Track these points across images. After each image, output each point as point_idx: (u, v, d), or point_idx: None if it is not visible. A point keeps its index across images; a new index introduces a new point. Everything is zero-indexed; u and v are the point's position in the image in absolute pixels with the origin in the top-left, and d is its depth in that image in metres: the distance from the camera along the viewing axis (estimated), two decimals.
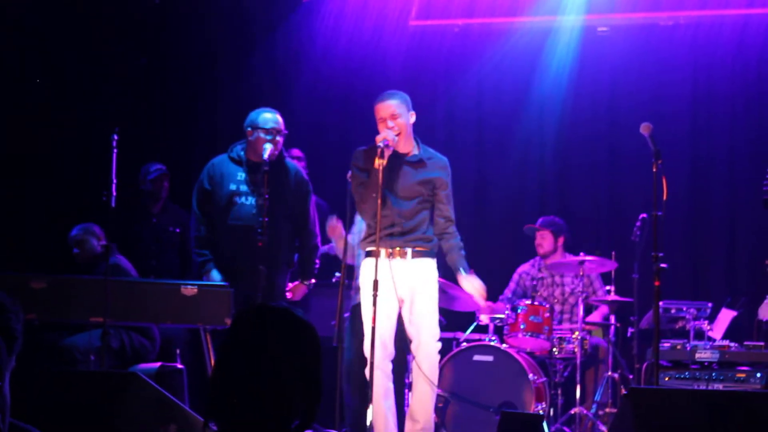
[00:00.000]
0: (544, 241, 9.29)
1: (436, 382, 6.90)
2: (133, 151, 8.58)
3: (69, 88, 10.19)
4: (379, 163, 6.57)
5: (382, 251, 6.69)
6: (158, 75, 10.56)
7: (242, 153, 7.80)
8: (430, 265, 6.91)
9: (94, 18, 10.09)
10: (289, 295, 8.01)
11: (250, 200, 7.74)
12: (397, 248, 6.79)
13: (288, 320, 3.08)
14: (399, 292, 6.75)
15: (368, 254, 6.81)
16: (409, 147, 6.89)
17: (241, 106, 9.92)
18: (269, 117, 7.72)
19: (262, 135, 7.65)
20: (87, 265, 8.44)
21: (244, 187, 7.77)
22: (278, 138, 7.68)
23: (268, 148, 7.54)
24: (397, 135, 6.70)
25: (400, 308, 6.83)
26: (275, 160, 7.66)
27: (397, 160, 6.78)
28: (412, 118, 6.87)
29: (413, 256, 6.83)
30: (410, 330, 6.83)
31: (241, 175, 7.78)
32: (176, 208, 9.45)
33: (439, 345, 6.88)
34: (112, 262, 8.03)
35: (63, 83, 10.18)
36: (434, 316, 6.89)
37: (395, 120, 6.73)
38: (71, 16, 10.05)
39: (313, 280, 8.10)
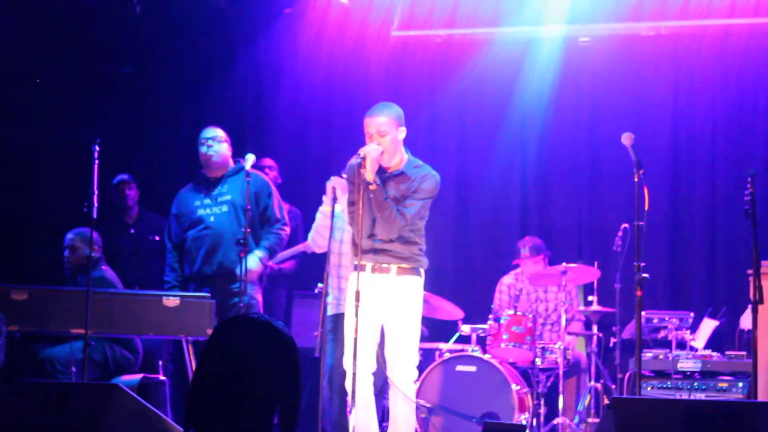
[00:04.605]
0: (537, 266, 9.18)
1: (413, 411, 6.86)
2: (114, 162, 8.58)
3: (50, 97, 10.16)
4: (361, 172, 6.55)
5: (369, 265, 6.67)
6: (140, 85, 10.54)
7: (202, 173, 8.29)
8: (413, 284, 6.80)
9: (76, 27, 10.07)
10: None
11: (213, 210, 8.08)
12: (381, 264, 6.76)
13: (267, 331, 3.10)
14: (380, 309, 6.72)
15: (354, 267, 6.79)
16: (396, 162, 6.78)
17: (223, 116, 9.95)
18: (203, 131, 8.34)
19: (201, 149, 8.23)
20: (74, 271, 8.41)
21: (206, 201, 8.12)
22: (219, 142, 8.22)
23: (251, 158, 7.75)
24: (381, 153, 6.65)
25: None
26: (230, 173, 8.17)
27: (381, 175, 6.72)
28: (402, 134, 6.74)
29: (397, 273, 6.75)
30: (387, 353, 6.76)
31: (202, 192, 8.20)
32: (153, 216, 9.48)
33: (415, 374, 6.81)
34: (98, 275, 8.04)
35: (44, 92, 10.16)
36: (413, 343, 6.78)
37: (381, 137, 6.64)
38: (52, 25, 10.03)
39: (269, 258, 8.03)
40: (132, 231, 9.47)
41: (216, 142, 8.16)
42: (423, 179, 6.78)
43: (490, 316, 8.58)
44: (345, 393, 7.01)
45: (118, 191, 9.50)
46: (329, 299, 7.48)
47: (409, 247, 6.77)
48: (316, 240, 7.68)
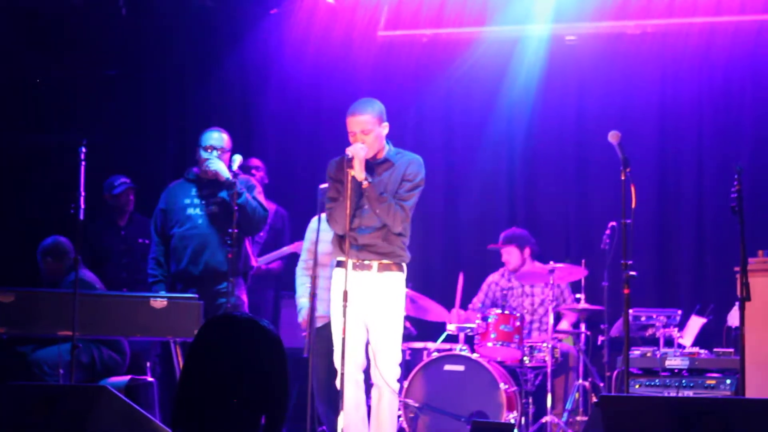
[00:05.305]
0: (511, 256, 9.28)
1: (396, 408, 6.88)
2: (101, 164, 8.55)
3: (37, 100, 10.14)
4: (348, 172, 6.53)
5: (350, 262, 6.62)
6: (127, 86, 10.52)
7: (195, 171, 8.12)
8: (395, 280, 6.78)
9: (62, 30, 10.04)
10: None
11: (202, 211, 8.00)
12: (364, 260, 6.73)
13: (253, 330, 3.09)
14: (364, 306, 6.70)
15: (338, 264, 6.77)
16: (379, 153, 6.79)
17: (210, 116, 9.93)
18: (208, 134, 8.07)
19: (201, 152, 7.99)
20: (53, 276, 8.39)
21: (196, 201, 8.04)
22: (220, 155, 7.97)
23: (238, 159, 7.74)
24: (366, 151, 6.64)
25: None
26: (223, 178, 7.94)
27: (366, 165, 6.69)
28: (385, 130, 6.75)
29: (379, 270, 6.74)
30: (371, 350, 6.75)
31: (193, 191, 8.07)
32: (144, 219, 9.45)
33: (398, 371, 6.81)
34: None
35: (31, 94, 10.13)
36: (396, 340, 6.78)
37: (366, 135, 6.63)
38: (38, 27, 10.00)
39: (240, 189, 7.80)
40: (123, 233, 9.45)
41: (222, 154, 7.97)
42: (408, 164, 6.81)
43: (478, 315, 8.59)
44: (338, 395, 7.02)
45: (123, 196, 9.43)
46: (319, 313, 7.47)
47: (391, 241, 6.75)
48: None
